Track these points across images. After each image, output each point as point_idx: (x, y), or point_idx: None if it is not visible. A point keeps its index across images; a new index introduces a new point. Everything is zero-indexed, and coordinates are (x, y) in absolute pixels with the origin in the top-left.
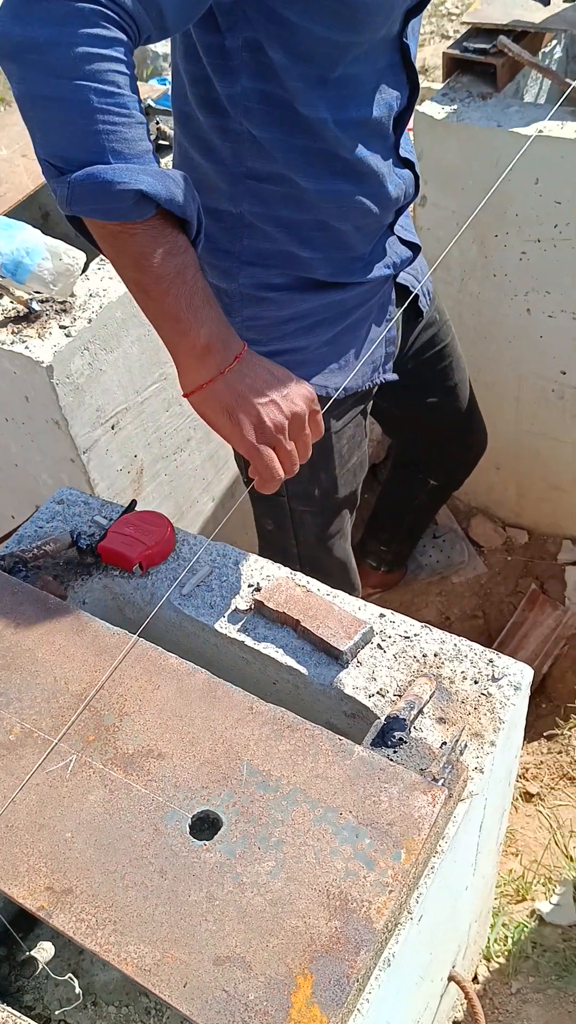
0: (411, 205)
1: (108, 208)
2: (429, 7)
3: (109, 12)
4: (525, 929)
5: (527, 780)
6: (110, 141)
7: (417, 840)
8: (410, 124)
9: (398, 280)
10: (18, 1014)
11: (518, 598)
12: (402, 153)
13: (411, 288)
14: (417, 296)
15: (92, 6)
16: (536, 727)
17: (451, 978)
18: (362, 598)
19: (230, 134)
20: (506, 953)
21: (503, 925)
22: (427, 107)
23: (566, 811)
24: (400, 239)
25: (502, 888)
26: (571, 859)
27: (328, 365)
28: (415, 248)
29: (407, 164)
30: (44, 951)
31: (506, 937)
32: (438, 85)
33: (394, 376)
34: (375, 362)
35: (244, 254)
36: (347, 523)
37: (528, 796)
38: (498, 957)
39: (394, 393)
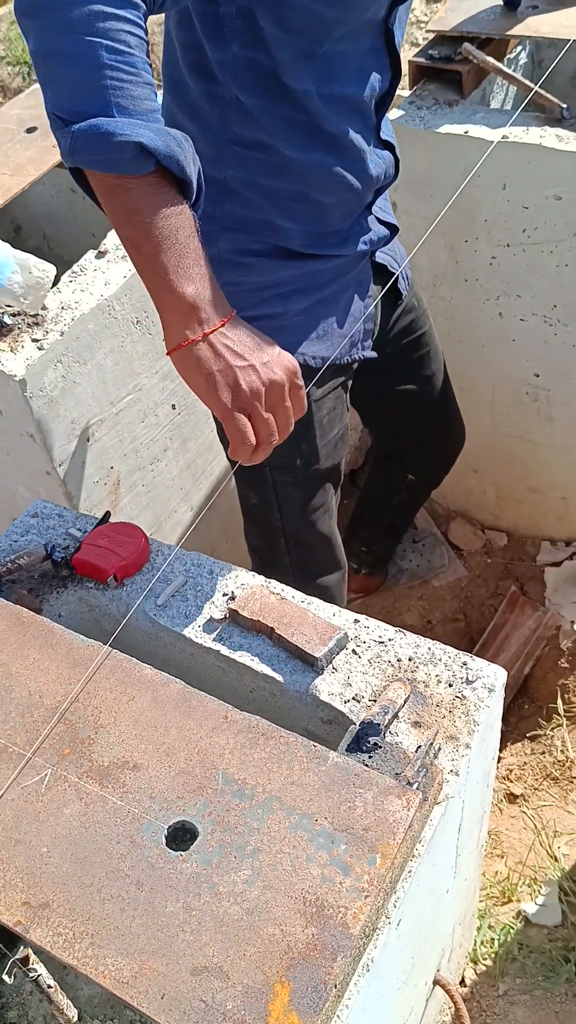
0: (390, 186)
1: (108, 159)
2: None
3: None
4: (511, 931)
5: (511, 781)
6: (116, 96)
7: (392, 844)
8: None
9: (376, 260)
10: None
11: (499, 600)
12: (383, 135)
13: (389, 268)
14: (397, 278)
15: None
16: (519, 728)
17: (436, 982)
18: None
19: (219, 100)
20: (492, 955)
21: (489, 927)
22: (394, 115)
23: (550, 811)
24: (378, 219)
25: (488, 890)
26: (556, 859)
27: (306, 334)
28: (393, 228)
29: (388, 146)
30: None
31: (492, 939)
32: (406, 92)
33: (373, 354)
34: (354, 337)
35: (225, 220)
36: (331, 498)
37: (512, 797)
38: (485, 959)
39: (372, 378)
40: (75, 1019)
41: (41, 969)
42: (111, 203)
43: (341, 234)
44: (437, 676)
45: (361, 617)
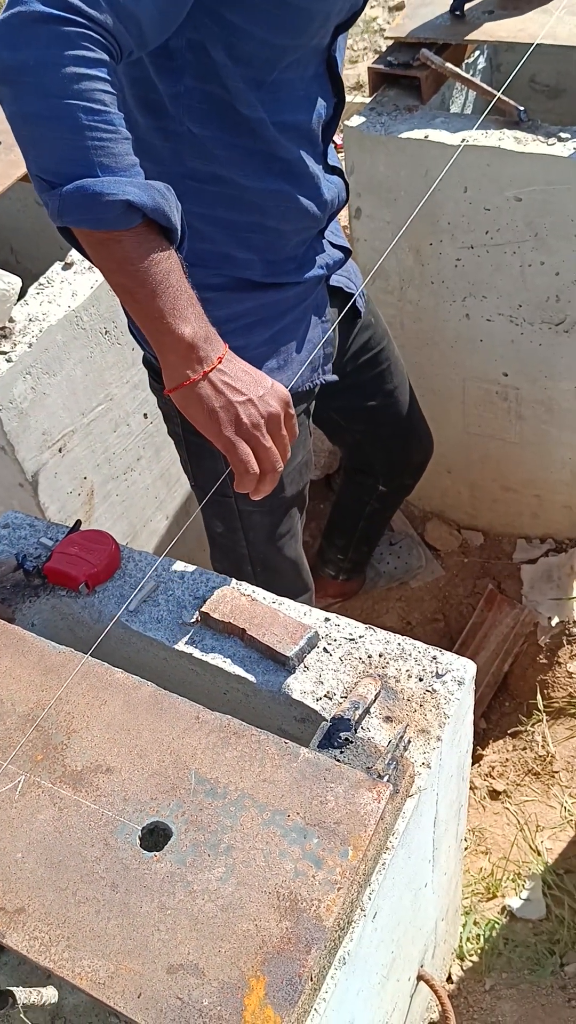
0: (340, 212)
1: (96, 218)
2: (361, 23)
3: (93, 34)
4: (496, 926)
5: (493, 778)
6: (98, 156)
7: (364, 836)
8: (340, 141)
9: (332, 283)
10: None
11: (476, 599)
12: (331, 161)
13: (345, 289)
14: (354, 298)
15: (77, 29)
16: (500, 725)
17: (420, 977)
18: (323, 608)
19: (170, 135)
20: (479, 951)
21: (475, 923)
22: (355, 121)
23: (532, 806)
24: (331, 243)
25: (472, 887)
26: (539, 853)
27: (267, 364)
28: (346, 251)
29: (336, 172)
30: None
31: (478, 935)
32: (367, 99)
33: (333, 377)
34: (314, 362)
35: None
36: (296, 523)
37: (495, 794)
38: (471, 956)
39: (334, 398)
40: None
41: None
42: (101, 256)
43: (297, 260)
44: (407, 671)
45: (332, 615)
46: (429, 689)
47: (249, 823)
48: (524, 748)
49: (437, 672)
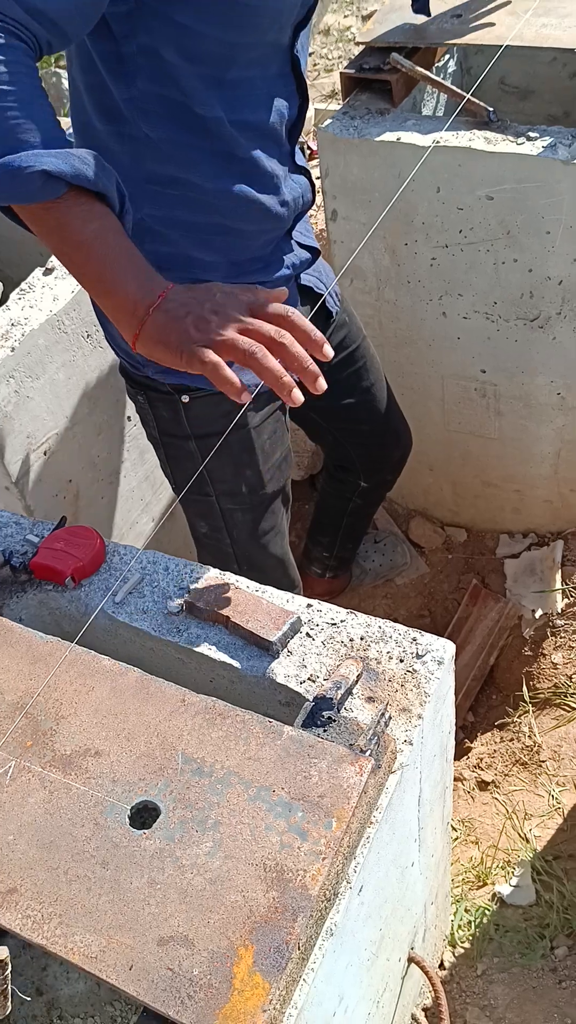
0: (308, 211)
1: (19, 192)
2: (335, 32)
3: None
4: (487, 912)
5: (481, 769)
6: (15, 133)
7: (347, 808)
8: (315, 147)
9: (302, 282)
10: None
11: (461, 594)
12: (298, 161)
13: (315, 289)
14: (325, 298)
15: None
16: (488, 718)
17: (411, 960)
18: None
19: (128, 139)
20: (470, 937)
21: (465, 911)
22: (329, 125)
23: (520, 795)
24: (299, 243)
25: (463, 875)
26: (527, 841)
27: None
28: (314, 251)
29: (303, 172)
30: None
31: (469, 922)
32: (337, 105)
33: None
34: None
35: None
36: (281, 519)
37: (484, 785)
38: (463, 942)
39: (311, 397)
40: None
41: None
42: (39, 227)
43: (264, 260)
44: (388, 653)
45: (313, 601)
46: (410, 669)
47: (235, 799)
48: (511, 739)
49: (417, 653)
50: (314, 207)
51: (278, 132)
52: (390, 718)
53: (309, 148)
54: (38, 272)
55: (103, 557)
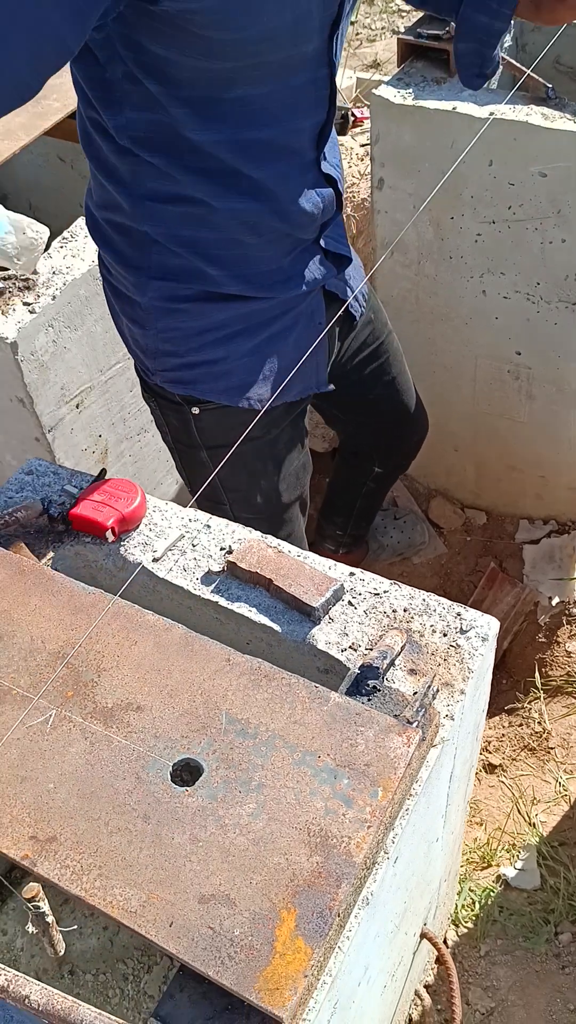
0: (338, 218)
1: None
2: (379, 3)
3: None
4: (491, 894)
5: (489, 752)
6: None
7: (393, 779)
8: (361, 114)
9: (327, 288)
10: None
11: (478, 577)
12: (324, 169)
13: (339, 295)
14: (349, 304)
15: None
16: (497, 702)
17: (424, 935)
18: None
19: (127, 156)
20: (474, 918)
21: (470, 891)
22: (383, 91)
23: (527, 780)
24: (328, 252)
25: (468, 856)
26: (533, 826)
27: (253, 375)
28: (345, 261)
29: (329, 181)
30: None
31: (473, 902)
32: (394, 69)
33: (328, 387)
34: (307, 371)
35: (154, 269)
36: (298, 525)
37: (491, 768)
38: (466, 922)
39: (332, 394)
40: (61, 952)
41: (44, 906)
42: None
43: (283, 273)
44: (432, 626)
45: (356, 570)
46: (453, 644)
47: (280, 762)
48: (521, 724)
49: (461, 628)
50: (358, 175)
51: (298, 143)
52: (437, 690)
53: (353, 115)
54: (81, 221)
55: (144, 511)
